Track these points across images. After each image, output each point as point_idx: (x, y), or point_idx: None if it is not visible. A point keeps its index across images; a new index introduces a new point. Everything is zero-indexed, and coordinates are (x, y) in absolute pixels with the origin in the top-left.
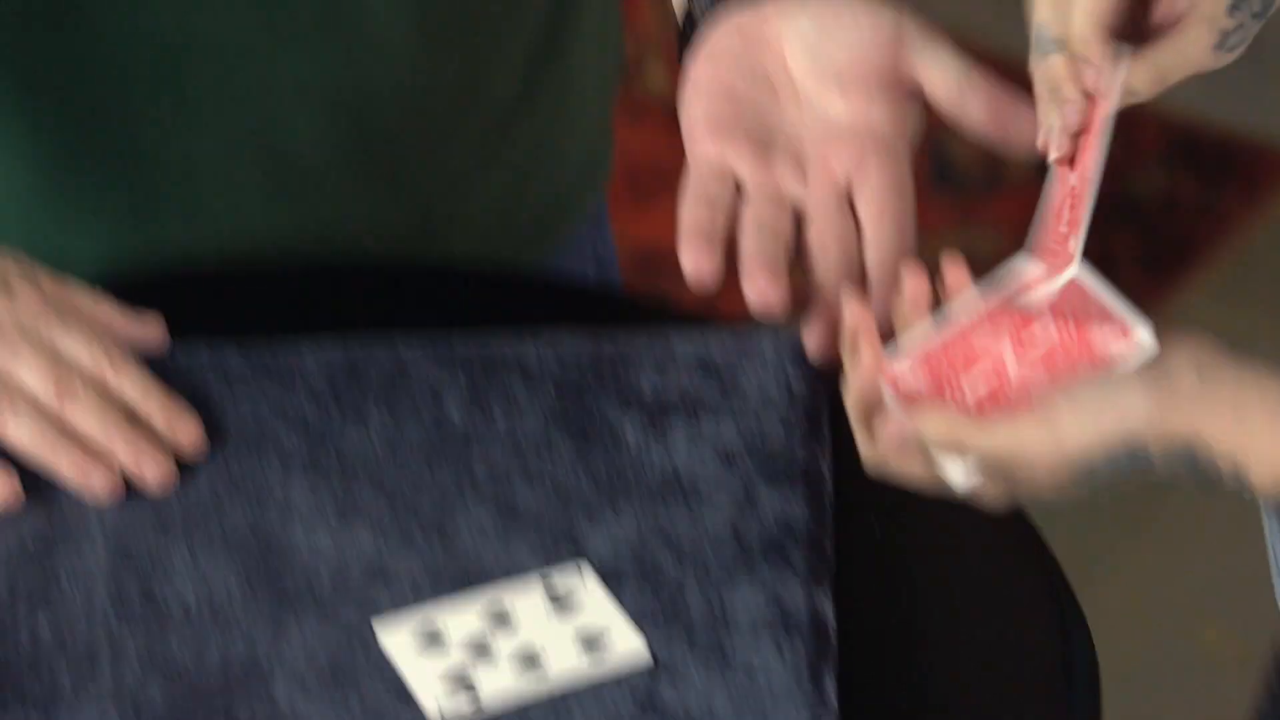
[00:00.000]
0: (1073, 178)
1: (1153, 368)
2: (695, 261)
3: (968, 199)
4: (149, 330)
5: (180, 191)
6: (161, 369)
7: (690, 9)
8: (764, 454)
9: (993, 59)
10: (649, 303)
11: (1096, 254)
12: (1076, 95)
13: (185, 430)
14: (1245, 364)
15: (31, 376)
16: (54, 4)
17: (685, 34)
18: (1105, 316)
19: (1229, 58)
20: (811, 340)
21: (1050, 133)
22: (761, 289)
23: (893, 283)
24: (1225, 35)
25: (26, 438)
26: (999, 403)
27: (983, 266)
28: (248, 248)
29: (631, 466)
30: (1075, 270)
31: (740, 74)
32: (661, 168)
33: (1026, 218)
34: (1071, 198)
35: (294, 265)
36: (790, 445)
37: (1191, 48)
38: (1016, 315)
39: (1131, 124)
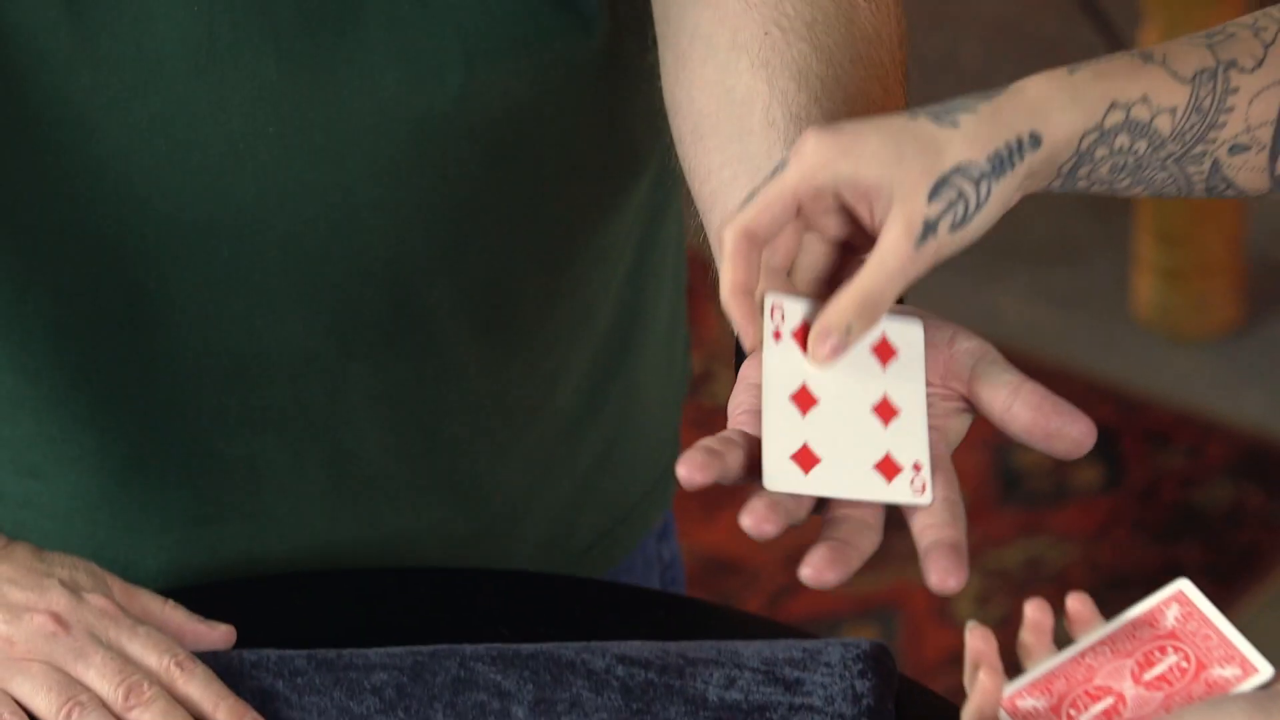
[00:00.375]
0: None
1: (1264, 698)
2: (689, 466)
3: (1035, 511)
4: (219, 636)
5: (245, 496)
6: (228, 670)
7: None
8: None
9: (1036, 365)
10: (715, 609)
11: (1163, 564)
12: None
13: None
14: None
15: (100, 680)
16: (131, 317)
17: (739, 344)
18: (1228, 654)
19: (961, 237)
20: (807, 566)
21: None
22: (757, 512)
23: (954, 558)
24: (929, 225)
25: None
26: None
27: (1049, 575)
28: (310, 552)
29: None
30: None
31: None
32: None
33: (1093, 529)
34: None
35: (358, 569)
36: None
37: (886, 253)
38: (1138, 643)
39: (1200, 437)
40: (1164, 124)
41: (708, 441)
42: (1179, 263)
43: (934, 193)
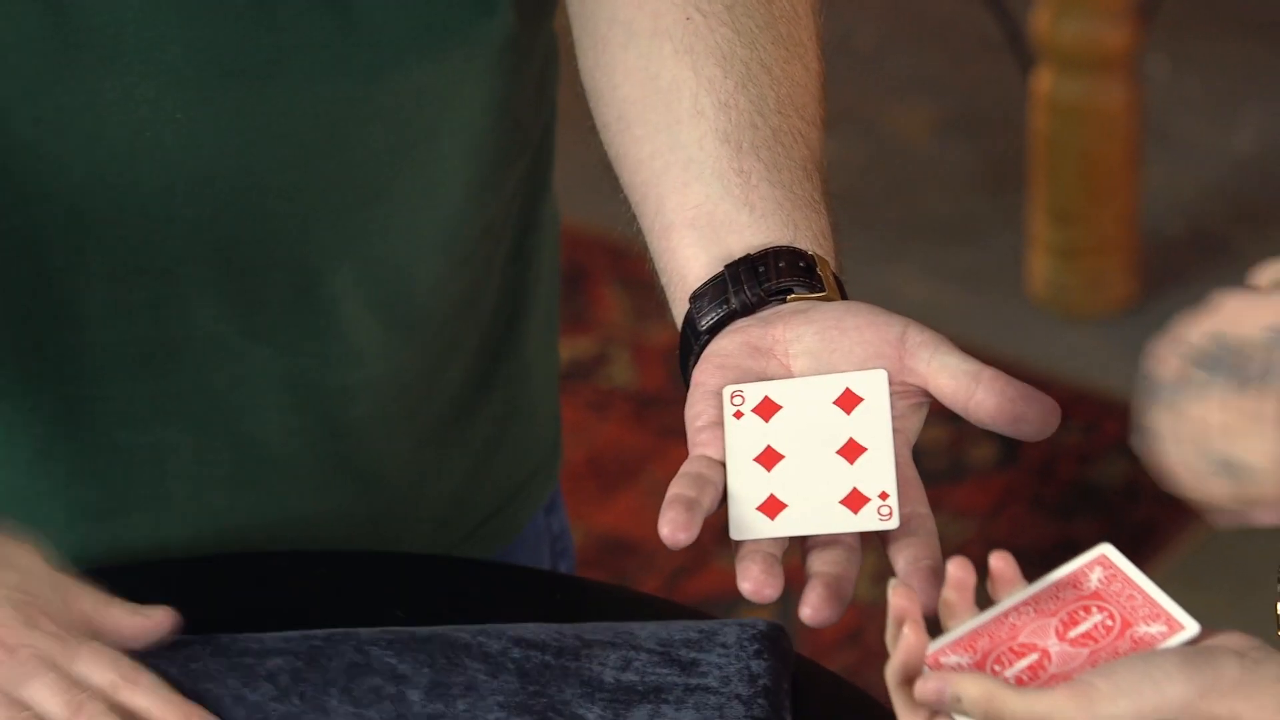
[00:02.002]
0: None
1: (1195, 653)
2: (671, 527)
3: (932, 488)
4: (157, 622)
5: (149, 485)
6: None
7: (691, 316)
8: None
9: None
10: (612, 590)
11: (1060, 539)
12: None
13: None
14: None
15: (47, 700)
16: (37, 308)
17: (686, 338)
18: (1154, 612)
19: None
20: (806, 606)
21: None
22: (755, 578)
23: (933, 580)
24: None
25: None
26: (1038, 678)
27: (946, 552)
28: (212, 537)
29: None
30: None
31: (745, 380)
32: (625, 458)
33: (990, 506)
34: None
35: (254, 552)
36: None
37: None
38: (1062, 603)
39: (1096, 414)
40: None
41: (681, 489)
42: (1073, 241)
43: None
